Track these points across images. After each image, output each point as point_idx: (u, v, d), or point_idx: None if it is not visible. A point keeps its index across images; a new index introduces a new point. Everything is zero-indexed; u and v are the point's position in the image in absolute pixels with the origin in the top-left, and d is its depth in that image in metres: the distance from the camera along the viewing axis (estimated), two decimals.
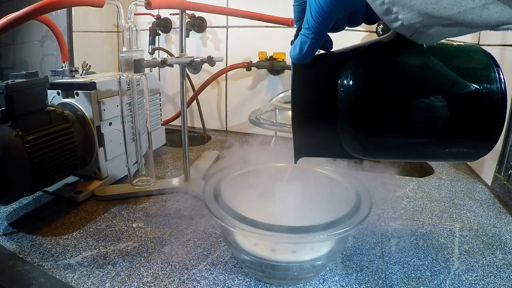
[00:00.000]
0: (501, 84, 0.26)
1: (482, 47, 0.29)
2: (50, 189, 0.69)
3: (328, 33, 0.30)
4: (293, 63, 0.30)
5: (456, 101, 0.27)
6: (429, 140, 0.29)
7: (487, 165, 0.80)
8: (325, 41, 0.30)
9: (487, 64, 0.27)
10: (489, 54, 0.28)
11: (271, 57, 1.07)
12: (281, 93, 0.85)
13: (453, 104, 0.27)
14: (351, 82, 0.29)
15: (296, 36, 0.30)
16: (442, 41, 0.27)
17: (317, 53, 0.30)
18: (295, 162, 0.36)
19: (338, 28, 0.30)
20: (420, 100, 0.27)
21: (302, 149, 0.34)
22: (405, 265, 0.50)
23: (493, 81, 0.26)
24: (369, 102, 0.28)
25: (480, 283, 0.47)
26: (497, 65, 0.27)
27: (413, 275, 0.48)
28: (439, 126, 0.28)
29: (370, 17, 0.30)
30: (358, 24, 0.31)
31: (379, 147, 0.31)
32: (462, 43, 0.30)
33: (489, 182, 0.77)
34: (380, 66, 0.28)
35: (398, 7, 0.23)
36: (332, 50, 0.32)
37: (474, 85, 0.26)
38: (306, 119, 0.32)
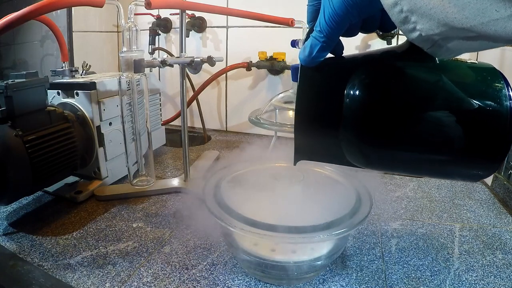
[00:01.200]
0: (511, 105, 0.26)
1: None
2: (50, 189, 0.69)
3: (340, 38, 0.29)
4: (301, 65, 0.30)
5: (463, 120, 0.26)
6: (433, 157, 0.28)
7: None
8: (336, 46, 0.30)
9: (498, 84, 0.27)
10: (501, 73, 0.27)
11: (271, 57, 1.07)
12: (281, 93, 0.85)
13: (460, 123, 0.26)
14: (358, 91, 0.28)
15: (307, 37, 0.29)
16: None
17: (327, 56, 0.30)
18: (294, 164, 0.35)
19: (351, 34, 0.30)
20: (426, 116, 0.27)
21: (302, 152, 0.34)
22: (405, 265, 0.50)
23: (503, 102, 0.26)
24: (374, 113, 0.28)
25: (480, 283, 0.47)
26: (508, 84, 0.26)
27: (413, 275, 0.48)
28: (444, 143, 0.27)
29: (385, 24, 0.29)
30: (372, 31, 0.30)
31: (381, 158, 0.30)
32: (476, 62, 0.29)
33: (489, 182, 0.77)
34: (390, 78, 0.28)
35: (417, 16, 0.21)
36: (342, 55, 0.31)
37: (482, 105, 0.26)
38: (309, 122, 0.31)
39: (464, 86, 0.27)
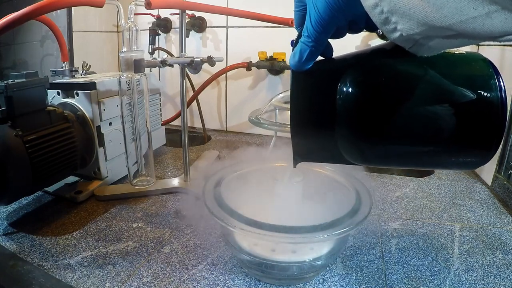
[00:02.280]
0: (501, 93, 0.26)
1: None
2: (50, 189, 0.69)
3: (329, 40, 0.30)
4: (292, 70, 0.30)
5: (454, 111, 0.26)
6: (427, 149, 0.29)
7: (487, 165, 0.79)
8: (326, 48, 0.30)
9: (487, 74, 0.27)
10: (490, 62, 0.28)
11: (271, 57, 1.07)
12: (281, 93, 0.85)
13: (451, 114, 0.26)
14: (350, 90, 0.29)
15: (296, 43, 0.29)
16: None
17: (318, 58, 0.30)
18: (294, 166, 0.36)
19: (338, 35, 0.30)
20: (418, 110, 0.27)
21: (301, 154, 0.35)
22: (405, 265, 0.50)
23: (492, 91, 0.26)
24: (367, 110, 0.28)
25: (480, 283, 0.47)
26: (497, 73, 0.27)
27: (413, 275, 0.48)
28: (437, 135, 0.27)
29: (371, 24, 0.30)
30: (359, 31, 0.31)
31: (377, 154, 0.31)
32: (464, 52, 0.30)
33: (489, 182, 0.77)
34: (379, 75, 0.28)
35: (397, 16, 0.22)
36: (333, 56, 0.32)
37: (473, 95, 0.26)
38: (305, 125, 0.32)
39: (453, 78, 0.27)
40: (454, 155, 0.29)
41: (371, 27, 0.30)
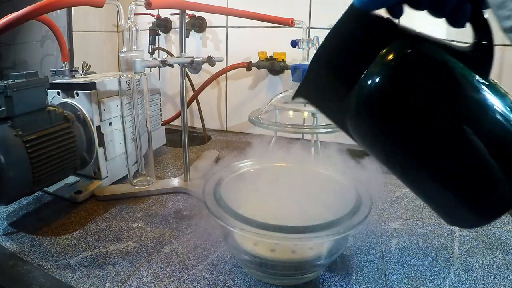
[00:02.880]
0: None
1: None
2: (50, 189, 0.69)
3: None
4: (352, 4, 0.26)
5: (495, 155, 0.24)
6: (435, 177, 0.27)
7: None
8: (396, 6, 0.27)
9: None
10: None
11: (271, 57, 1.07)
12: (281, 93, 0.85)
13: (491, 156, 0.24)
14: (391, 59, 0.25)
15: None
16: None
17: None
18: (293, 98, 0.32)
19: (439, 12, 0.26)
20: (447, 122, 0.25)
21: (306, 91, 0.31)
22: (405, 265, 0.50)
23: None
24: (393, 90, 0.25)
25: (480, 283, 0.47)
26: None
27: (413, 275, 0.48)
28: (452, 166, 0.25)
29: (475, 15, 0.26)
30: (461, 23, 0.27)
31: (378, 143, 0.28)
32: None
33: None
34: (432, 66, 0.25)
35: None
36: (398, 21, 0.28)
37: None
38: (326, 67, 0.28)
39: (498, 117, 0.24)
40: (457, 199, 0.26)
41: (477, 21, 0.26)
